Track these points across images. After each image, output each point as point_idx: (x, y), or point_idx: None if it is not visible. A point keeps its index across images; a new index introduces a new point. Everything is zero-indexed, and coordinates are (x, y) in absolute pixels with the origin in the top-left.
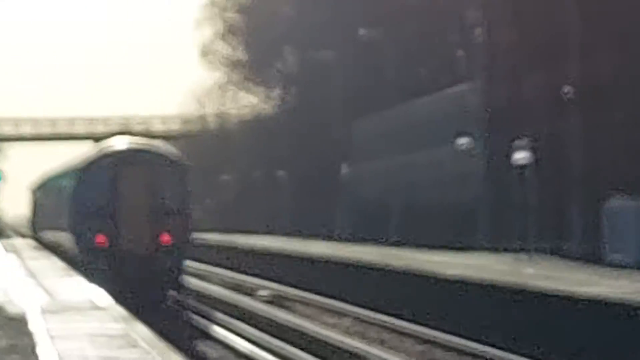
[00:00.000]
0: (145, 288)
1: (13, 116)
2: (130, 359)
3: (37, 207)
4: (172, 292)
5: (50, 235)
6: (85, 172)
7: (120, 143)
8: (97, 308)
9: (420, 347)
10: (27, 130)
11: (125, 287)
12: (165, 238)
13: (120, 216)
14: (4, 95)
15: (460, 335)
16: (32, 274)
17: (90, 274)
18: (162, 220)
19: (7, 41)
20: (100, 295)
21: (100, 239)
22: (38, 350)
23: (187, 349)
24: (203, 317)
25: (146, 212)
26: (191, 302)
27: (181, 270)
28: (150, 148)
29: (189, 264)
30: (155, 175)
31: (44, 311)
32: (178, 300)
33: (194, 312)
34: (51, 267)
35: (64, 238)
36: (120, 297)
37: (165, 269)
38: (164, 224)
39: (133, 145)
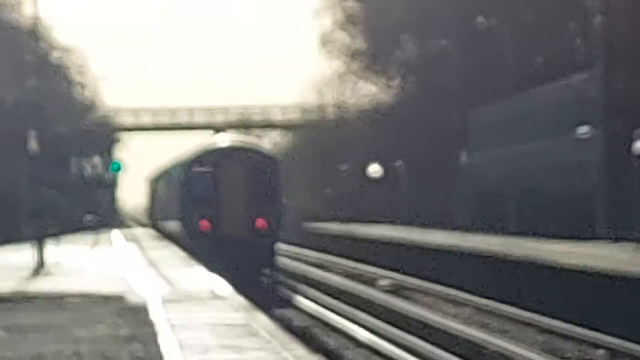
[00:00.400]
0: (243, 267)
1: (133, 106)
2: (250, 348)
3: (153, 197)
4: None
5: (163, 223)
6: (190, 166)
7: (221, 141)
8: (218, 298)
9: (541, 337)
10: (147, 120)
11: (225, 266)
12: (260, 223)
13: (221, 205)
14: (125, 85)
15: (581, 325)
16: (152, 264)
17: (196, 254)
18: (257, 208)
19: (128, 33)
20: (220, 285)
21: (204, 224)
22: (159, 340)
23: (307, 338)
24: (324, 307)
25: (243, 201)
26: (313, 292)
27: (275, 251)
28: (247, 145)
29: (311, 254)
30: (251, 171)
31: (165, 301)
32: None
33: (315, 302)
34: (171, 257)
35: (174, 225)
36: (222, 275)
37: (260, 250)
38: (259, 211)
39: (232, 143)
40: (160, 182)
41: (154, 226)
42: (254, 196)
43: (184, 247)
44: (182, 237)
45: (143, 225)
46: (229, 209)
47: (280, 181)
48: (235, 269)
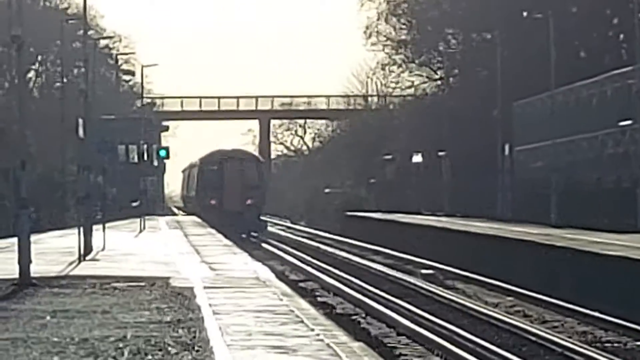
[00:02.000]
0: (238, 229)
1: (179, 94)
2: (293, 335)
3: (184, 185)
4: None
5: (189, 203)
6: (204, 163)
7: (224, 149)
8: (261, 285)
9: (581, 328)
10: (193, 108)
11: (224, 226)
12: (249, 201)
13: (223, 189)
14: (171, 74)
15: (621, 317)
16: (196, 251)
17: (207, 220)
18: (246, 192)
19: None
20: (263, 273)
21: (213, 201)
22: (203, 326)
23: (349, 325)
24: (367, 296)
25: (238, 187)
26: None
27: (260, 221)
28: (240, 152)
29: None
30: (242, 167)
31: (209, 287)
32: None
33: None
34: (215, 244)
35: (195, 203)
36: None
37: (250, 218)
38: (248, 194)
39: (231, 150)
40: (188, 173)
41: (190, 210)
42: (244, 184)
43: (202, 218)
44: (200, 211)
45: (187, 212)
46: (229, 192)
47: (262, 176)
48: (234, 230)
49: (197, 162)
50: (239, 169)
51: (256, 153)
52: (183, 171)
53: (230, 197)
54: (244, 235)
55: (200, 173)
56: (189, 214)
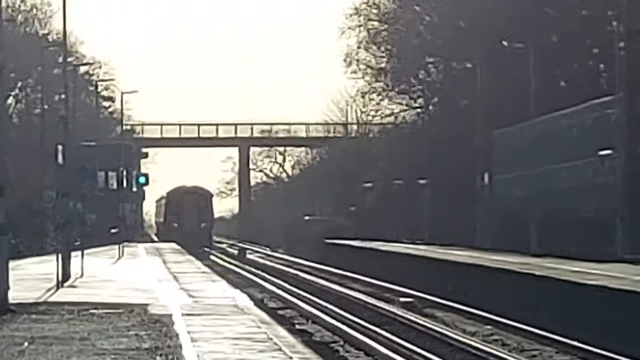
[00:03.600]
0: (194, 245)
1: (159, 121)
2: None
3: (157, 213)
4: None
5: (160, 229)
6: (170, 196)
7: (185, 186)
8: (239, 312)
9: (560, 357)
10: (172, 135)
11: (185, 244)
12: (202, 225)
13: (183, 215)
14: (150, 100)
15: (600, 347)
16: (175, 278)
17: (170, 239)
18: (200, 217)
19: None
20: (241, 300)
21: (176, 224)
22: (181, 353)
23: (328, 353)
24: (345, 324)
25: (194, 213)
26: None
27: (211, 239)
28: (196, 188)
29: (331, 271)
30: (197, 199)
31: (187, 314)
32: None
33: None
34: (194, 271)
35: (162, 226)
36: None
37: (203, 237)
38: (201, 219)
39: (190, 187)
40: (159, 203)
41: (161, 233)
42: (199, 212)
43: (168, 239)
44: (166, 232)
45: (158, 236)
46: (187, 219)
47: (211, 206)
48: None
49: (165, 195)
50: (196, 201)
51: (209, 189)
52: (156, 202)
53: (189, 221)
54: (200, 251)
55: (167, 203)
56: (159, 237)
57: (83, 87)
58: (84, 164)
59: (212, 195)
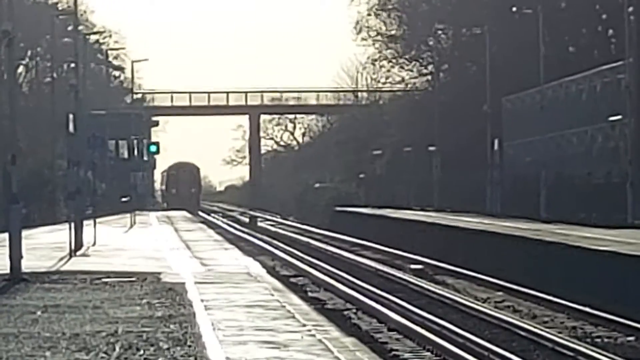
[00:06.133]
0: (187, 207)
1: (169, 89)
2: (285, 330)
3: (161, 182)
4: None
5: (163, 196)
6: (170, 170)
7: (180, 162)
8: (252, 280)
9: (571, 323)
10: (182, 103)
11: (180, 207)
12: (193, 190)
13: (179, 184)
14: (160, 69)
15: (611, 312)
16: (187, 246)
17: (169, 203)
18: (191, 185)
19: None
20: (254, 268)
21: (173, 190)
22: (194, 321)
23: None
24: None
25: (187, 183)
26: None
27: (199, 202)
28: (188, 163)
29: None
30: (189, 172)
31: (200, 282)
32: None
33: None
34: (206, 239)
35: (165, 194)
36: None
37: (193, 200)
38: (192, 186)
39: (184, 162)
40: (162, 175)
41: (163, 199)
42: (190, 182)
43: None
44: (167, 197)
45: (176, 208)
46: (182, 187)
47: (199, 178)
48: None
49: (167, 169)
50: (188, 173)
51: (197, 164)
52: (161, 174)
53: (183, 188)
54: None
55: (167, 176)
56: (162, 200)
57: (93, 56)
58: (94, 132)
59: (199, 169)
